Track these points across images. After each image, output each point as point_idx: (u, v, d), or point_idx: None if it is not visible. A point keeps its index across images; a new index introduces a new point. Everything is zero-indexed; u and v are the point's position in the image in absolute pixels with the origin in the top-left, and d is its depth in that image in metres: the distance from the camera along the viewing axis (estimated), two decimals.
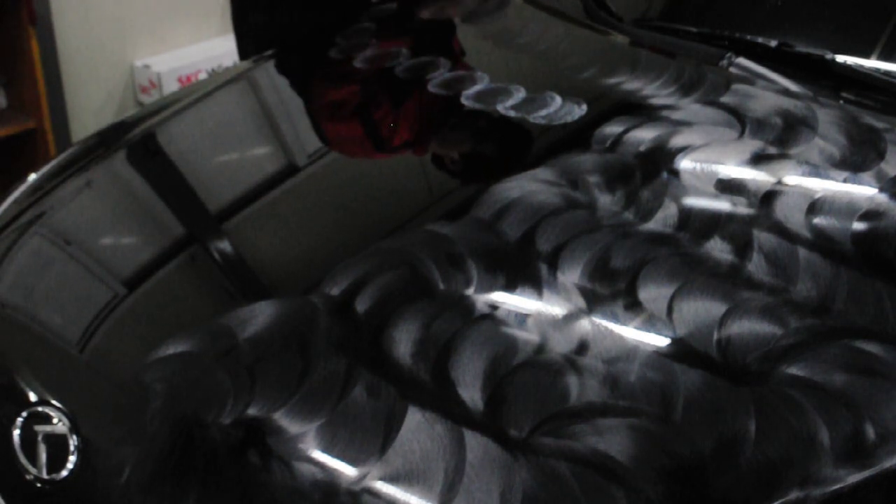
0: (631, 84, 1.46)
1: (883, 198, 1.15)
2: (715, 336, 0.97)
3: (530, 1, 1.81)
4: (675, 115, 1.33)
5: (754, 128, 1.28)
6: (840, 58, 1.44)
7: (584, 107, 1.38)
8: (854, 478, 0.86)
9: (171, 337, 1.04)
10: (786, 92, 1.38)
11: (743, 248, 1.07)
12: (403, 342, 0.99)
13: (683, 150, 1.24)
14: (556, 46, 1.67)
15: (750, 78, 1.43)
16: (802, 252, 1.07)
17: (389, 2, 1.95)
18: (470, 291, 1.05)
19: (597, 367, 0.95)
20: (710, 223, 1.12)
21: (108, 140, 1.58)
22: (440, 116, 1.48)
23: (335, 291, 1.06)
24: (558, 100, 1.40)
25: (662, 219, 1.13)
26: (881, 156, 1.21)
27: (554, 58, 1.64)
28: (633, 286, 1.03)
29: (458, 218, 1.16)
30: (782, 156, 1.23)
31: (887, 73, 1.42)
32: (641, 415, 0.90)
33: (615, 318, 1.00)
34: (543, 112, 1.38)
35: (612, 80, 1.48)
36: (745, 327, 0.98)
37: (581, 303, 1.02)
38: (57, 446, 1.00)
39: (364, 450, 0.90)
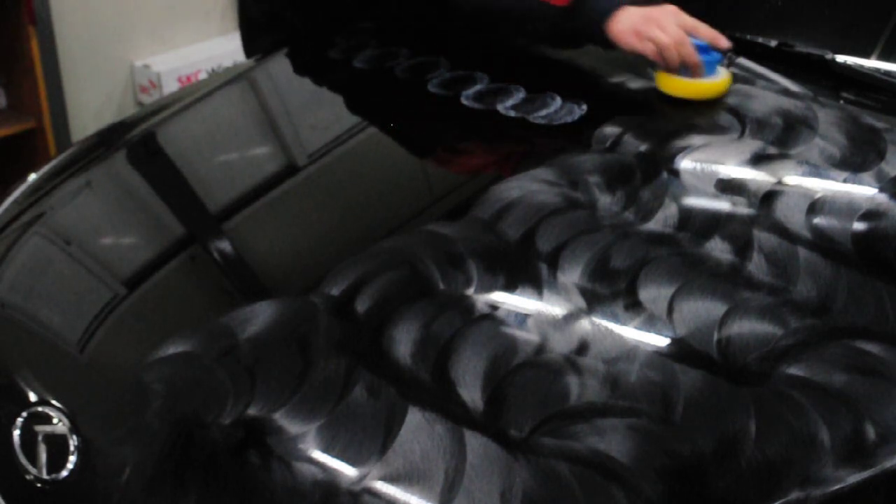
0: (630, 84, 1.46)
1: (883, 198, 1.15)
2: (715, 336, 0.97)
3: None
4: (676, 115, 1.33)
5: (754, 128, 1.28)
6: (840, 58, 1.44)
7: (584, 107, 1.38)
8: (854, 478, 0.86)
9: (171, 337, 1.04)
10: (786, 92, 1.38)
11: (743, 248, 1.07)
12: (403, 342, 0.99)
13: (683, 150, 1.24)
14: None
15: (750, 78, 1.43)
16: (802, 252, 1.06)
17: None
18: (470, 291, 1.05)
19: (597, 367, 0.95)
20: (711, 223, 1.12)
21: (108, 140, 1.58)
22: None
23: (335, 291, 1.06)
24: (558, 100, 1.40)
25: (662, 219, 1.13)
26: (881, 156, 1.21)
27: (553, 58, 1.64)
28: (634, 286, 1.03)
29: (458, 218, 1.16)
30: (782, 156, 1.23)
31: (887, 73, 1.42)
32: (641, 415, 0.90)
33: (615, 318, 1.00)
34: (543, 112, 1.38)
35: (612, 80, 1.48)
36: (745, 327, 0.98)
37: (581, 303, 1.02)
38: (57, 446, 1.00)
39: (364, 450, 0.90)
